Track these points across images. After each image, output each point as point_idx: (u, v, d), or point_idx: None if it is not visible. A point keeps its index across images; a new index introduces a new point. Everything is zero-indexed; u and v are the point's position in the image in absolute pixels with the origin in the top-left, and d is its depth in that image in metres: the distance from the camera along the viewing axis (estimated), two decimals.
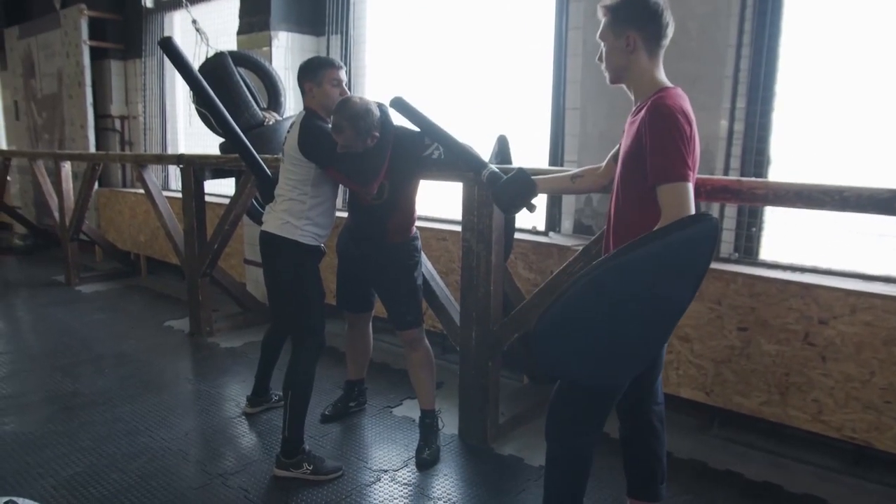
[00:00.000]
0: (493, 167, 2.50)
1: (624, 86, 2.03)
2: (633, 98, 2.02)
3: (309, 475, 2.82)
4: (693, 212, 1.77)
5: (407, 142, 2.82)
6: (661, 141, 1.79)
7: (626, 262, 1.71)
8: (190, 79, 3.23)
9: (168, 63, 6.82)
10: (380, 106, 2.76)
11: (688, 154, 1.79)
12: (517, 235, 3.76)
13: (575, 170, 2.44)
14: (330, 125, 2.76)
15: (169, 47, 3.09)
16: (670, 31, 1.96)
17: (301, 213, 2.86)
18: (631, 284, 1.73)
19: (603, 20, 1.98)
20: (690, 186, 1.79)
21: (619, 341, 1.81)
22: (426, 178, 3.08)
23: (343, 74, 2.92)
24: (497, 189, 2.38)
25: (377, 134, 2.71)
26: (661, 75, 1.98)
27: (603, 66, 2.03)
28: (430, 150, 2.81)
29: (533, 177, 2.34)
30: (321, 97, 2.86)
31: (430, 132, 2.58)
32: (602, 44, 2.01)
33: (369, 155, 2.73)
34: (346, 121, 2.64)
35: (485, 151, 2.90)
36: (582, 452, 2.07)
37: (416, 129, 2.67)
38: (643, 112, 1.87)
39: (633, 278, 1.73)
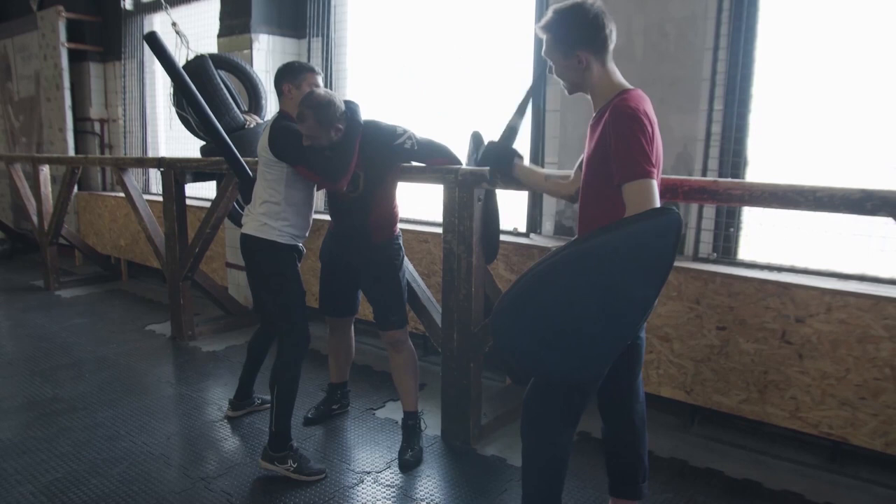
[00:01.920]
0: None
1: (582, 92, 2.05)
2: (592, 104, 2.04)
3: (292, 473, 2.84)
4: (657, 206, 1.79)
5: (377, 132, 2.85)
6: (625, 141, 1.82)
7: (586, 250, 1.73)
8: (174, 74, 3.26)
9: (148, 66, 6.80)
10: (347, 103, 2.80)
11: (651, 153, 1.82)
12: None
13: (552, 171, 2.48)
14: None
15: (154, 42, 3.11)
16: (615, 35, 1.97)
17: (277, 214, 2.89)
18: (589, 273, 1.74)
19: (545, 38, 1.98)
20: (655, 183, 1.81)
21: (576, 333, 1.80)
22: (408, 179, 3.09)
23: (321, 81, 2.96)
24: (486, 148, 2.52)
25: (341, 126, 2.74)
26: (618, 78, 1.99)
27: (556, 78, 2.05)
28: (402, 140, 2.85)
29: (516, 161, 2.46)
30: (293, 102, 2.88)
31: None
32: (550, 61, 2.02)
33: (337, 151, 2.75)
34: (309, 109, 2.68)
35: (461, 153, 2.94)
36: (557, 450, 2.08)
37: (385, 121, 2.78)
38: (606, 115, 1.89)
39: (592, 267, 1.74)
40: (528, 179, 2.54)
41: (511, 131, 2.55)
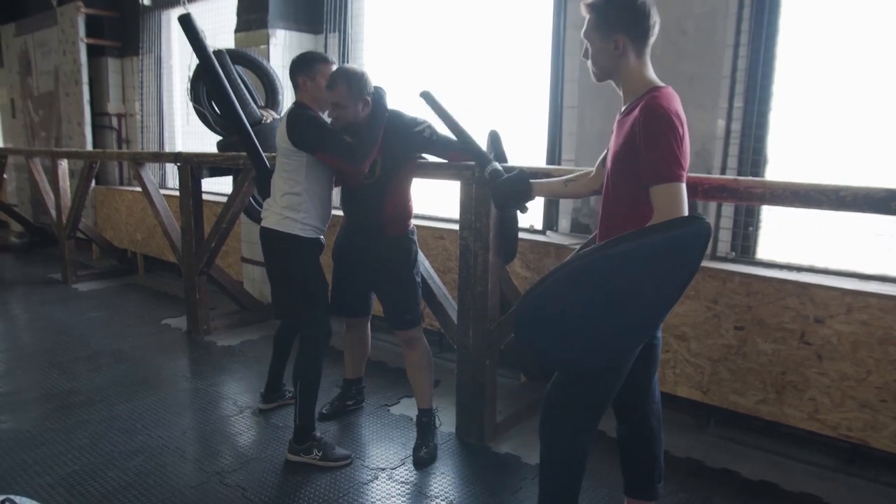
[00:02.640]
0: (497, 165, 2.56)
1: (612, 82, 2.02)
2: (622, 96, 2.01)
3: (318, 461, 2.91)
4: (686, 213, 1.77)
5: (398, 119, 2.87)
6: (655, 141, 1.79)
7: (615, 254, 1.72)
8: (203, 58, 3.34)
9: (165, 61, 6.84)
10: (376, 87, 2.83)
11: (681, 155, 1.80)
12: None
13: (569, 175, 2.45)
14: (318, 113, 2.87)
15: (187, 24, 3.18)
16: (657, 29, 1.94)
17: (299, 205, 2.89)
18: (616, 276, 1.74)
19: (587, 18, 1.96)
20: (683, 187, 1.79)
21: (598, 329, 1.82)
22: (425, 176, 3.08)
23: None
24: (495, 186, 2.45)
25: (369, 100, 2.76)
26: (651, 73, 1.96)
27: (589, 63, 2.02)
28: (422, 128, 2.86)
29: (531, 180, 2.39)
30: (314, 91, 2.90)
31: (452, 127, 2.65)
32: (587, 42, 2.00)
33: (361, 132, 2.77)
34: (341, 76, 2.72)
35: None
36: (576, 450, 2.07)
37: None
38: (636, 112, 1.86)
39: (619, 270, 1.73)
40: (549, 193, 2.54)
41: (495, 172, 2.53)
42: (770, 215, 3.23)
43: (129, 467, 2.91)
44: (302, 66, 2.92)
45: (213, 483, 2.80)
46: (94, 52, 7.17)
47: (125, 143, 7.46)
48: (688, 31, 3.19)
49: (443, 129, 2.90)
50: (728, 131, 3.20)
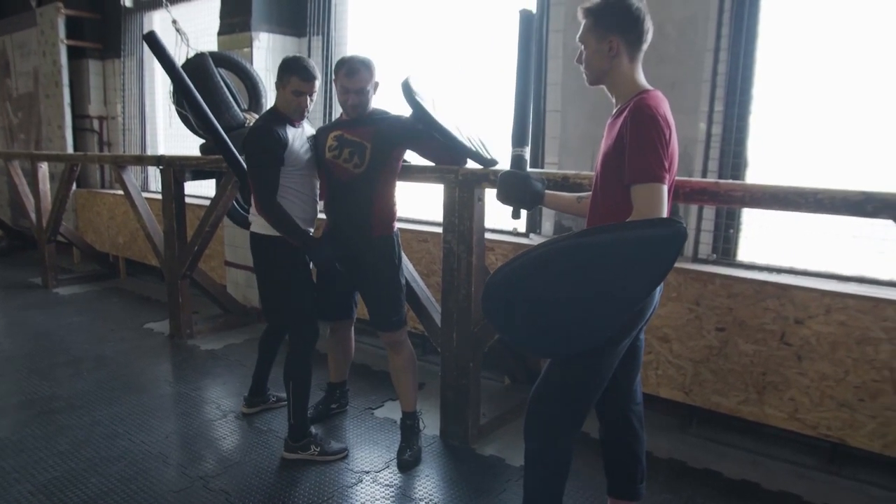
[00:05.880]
0: (526, 156, 2.46)
1: (604, 87, 2.05)
2: (613, 100, 2.04)
3: (317, 456, 2.96)
4: (664, 214, 1.79)
5: (387, 112, 2.96)
6: (640, 142, 1.81)
7: (587, 244, 1.76)
8: (172, 73, 3.29)
9: (147, 63, 6.79)
10: None
11: (665, 157, 1.82)
12: (497, 237, 3.79)
13: (582, 193, 2.42)
14: (288, 128, 2.87)
15: (153, 41, 3.15)
16: (650, 36, 1.99)
17: None
18: (585, 266, 1.77)
19: (583, 22, 2.00)
20: (665, 189, 1.81)
21: (558, 317, 1.84)
22: (409, 179, 3.09)
23: (313, 86, 2.89)
24: (510, 172, 2.36)
25: (377, 81, 2.89)
26: (641, 78, 2.00)
27: (582, 67, 2.04)
28: (411, 119, 2.90)
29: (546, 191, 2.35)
30: (280, 100, 2.91)
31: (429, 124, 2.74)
32: (582, 46, 2.03)
33: (289, 219, 2.85)
34: (361, 64, 2.85)
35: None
36: (561, 451, 2.09)
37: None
38: (625, 114, 1.89)
39: (589, 261, 1.76)
40: (557, 205, 2.47)
41: (520, 160, 2.43)
42: (750, 218, 3.26)
43: (110, 473, 2.88)
44: (279, 71, 2.89)
45: (197, 488, 2.78)
46: (74, 53, 7.10)
47: (107, 146, 7.40)
48: (669, 36, 3.22)
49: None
50: (709, 135, 3.24)
